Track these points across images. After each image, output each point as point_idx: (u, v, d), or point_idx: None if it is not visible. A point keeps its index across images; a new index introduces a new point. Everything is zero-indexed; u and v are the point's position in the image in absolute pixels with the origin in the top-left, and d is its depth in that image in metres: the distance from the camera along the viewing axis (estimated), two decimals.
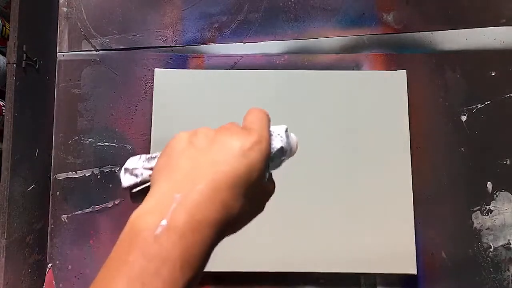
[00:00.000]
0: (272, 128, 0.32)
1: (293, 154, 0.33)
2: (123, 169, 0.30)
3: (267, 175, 0.29)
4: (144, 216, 0.23)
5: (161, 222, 0.22)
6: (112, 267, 0.22)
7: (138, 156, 0.31)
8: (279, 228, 0.59)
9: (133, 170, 0.30)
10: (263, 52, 0.67)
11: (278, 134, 0.32)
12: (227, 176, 0.25)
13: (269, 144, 0.28)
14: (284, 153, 0.31)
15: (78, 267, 0.63)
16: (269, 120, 0.30)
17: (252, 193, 0.26)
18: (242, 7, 0.68)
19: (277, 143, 0.31)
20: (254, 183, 0.26)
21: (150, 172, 0.29)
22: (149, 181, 0.29)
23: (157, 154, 0.30)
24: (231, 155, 0.25)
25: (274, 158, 0.30)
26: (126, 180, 0.30)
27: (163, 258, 0.21)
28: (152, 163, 0.29)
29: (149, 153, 0.61)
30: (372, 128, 0.62)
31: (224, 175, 0.25)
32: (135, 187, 0.30)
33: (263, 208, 0.30)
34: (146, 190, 0.28)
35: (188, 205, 0.23)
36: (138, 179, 0.30)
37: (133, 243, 0.22)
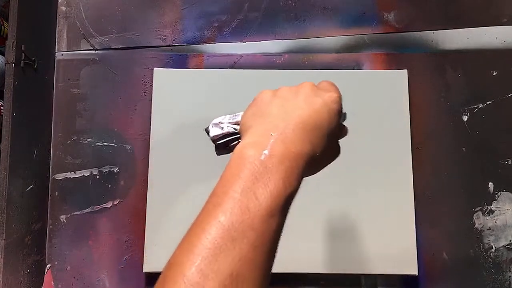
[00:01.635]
0: None
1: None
2: (211, 124, 0.36)
3: (341, 123, 0.36)
4: (248, 148, 0.28)
5: (264, 151, 0.28)
6: (227, 182, 0.27)
7: (223, 115, 0.37)
8: None
9: (220, 123, 0.36)
10: (263, 52, 0.66)
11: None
12: (313, 119, 0.31)
13: (341, 100, 0.35)
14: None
15: (77, 268, 0.63)
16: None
17: (332, 136, 0.32)
18: (242, 6, 0.67)
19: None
20: (333, 129, 0.32)
21: (234, 126, 0.36)
22: (233, 134, 0.36)
23: (241, 112, 0.36)
24: (315, 104, 0.32)
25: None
26: (213, 131, 0.36)
27: (269, 177, 0.27)
28: (237, 119, 0.36)
29: (149, 153, 0.61)
30: (372, 128, 0.61)
31: (311, 118, 0.31)
32: (221, 139, 0.36)
33: (339, 151, 0.37)
34: (228, 143, 0.36)
35: (283, 140, 0.29)
36: (224, 131, 0.36)
37: (242, 166, 0.27)
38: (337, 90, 0.36)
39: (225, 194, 0.26)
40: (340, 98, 0.35)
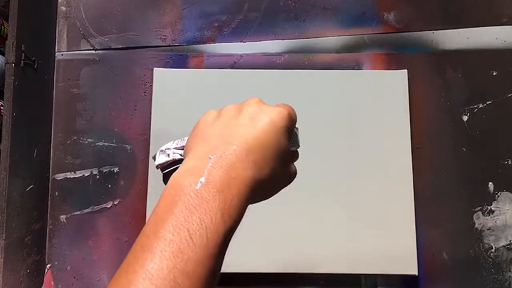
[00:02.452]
0: None
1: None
2: (158, 151, 0.33)
3: (291, 145, 0.32)
4: (184, 176, 0.25)
5: (200, 179, 0.25)
6: (158, 219, 0.24)
7: (172, 141, 0.34)
8: (279, 229, 0.59)
9: (166, 150, 0.33)
10: (263, 52, 0.66)
11: None
12: (258, 138, 0.28)
13: (294, 118, 0.32)
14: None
15: (77, 268, 0.63)
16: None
17: (282, 157, 0.29)
18: (242, 6, 0.67)
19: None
20: (283, 149, 0.29)
21: (180, 152, 0.32)
22: (179, 161, 0.32)
23: (187, 137, 0.33)
24: (261, 122, 0.28)
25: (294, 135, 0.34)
26: (159, 159, 0.33)
27: (204, 209, 0.24)
28: (182, 144, 0.33)
29: (149, 153, 0.61)
30: (372, 128, 0.61)
31: (256, 138, 0.27)
32: (167, 168, 0.33)
33: (294, 174, 0.32)
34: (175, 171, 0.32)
35: (223, 164, 0.26)
36: (170, 158, 0.32)
37: (176, 198, 0.24)
38: (286, 106, 0.32)
39: (155, 234, 0.23)
40: (290, 115, 0.31)
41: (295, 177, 0.33)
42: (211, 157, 0.26)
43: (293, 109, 0.32)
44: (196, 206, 0.24)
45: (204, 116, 0.32)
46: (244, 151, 0.27)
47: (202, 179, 0.25)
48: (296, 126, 0.33)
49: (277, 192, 0.31)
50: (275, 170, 0.28)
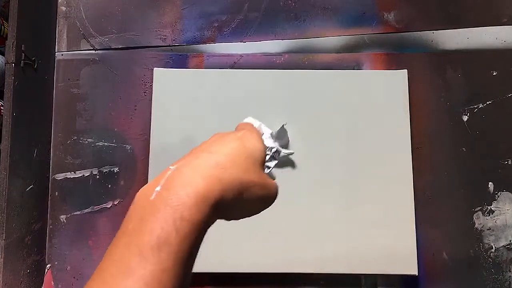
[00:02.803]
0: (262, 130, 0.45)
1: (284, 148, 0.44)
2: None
3: (265, 169, 0.32)
4: (143, 190, 0.25)
5: (156, 189, 0.24)
6: (116, 238, 0.23)
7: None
8: (279, 228, 0.59)
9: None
10: (263, 52, 0.66)
11: (268, 136, 0.45)
12: (224, 154, 0.27)
13: (257, 133, 0.32)
14: (275, 151, 0.43)
15: (77, 268, 0.63)
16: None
17: (250, 179, 0.27)
18: (242, 6, 0.67)
19: (268, 142, 0.43)
20: (250, 167, 0.28)
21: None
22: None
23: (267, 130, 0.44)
24: (227, 141, 0.29)
25: (271, 155, 0.40)
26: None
27: (156, 217, 0.22)
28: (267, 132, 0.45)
29: (149, 153, 0.61)
30: (372, 128, 0.61)
31: (222, 154, 0.27)
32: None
33: (264, 206, 0.30)
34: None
35: (183, 169, 0.25)
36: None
37: (133, 213, 0.23)
38: (253, 129, 0.33)
39: (109, 254, 0.23)
40: (253, 130, 0.31)
41: (273, 199, 0.30)
42: (171, 167, 0.25)
43: (257, 133, 0.32)
44: (148, 215, 0.22)
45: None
46: (207, 165, 0.25)
47: (158, 188, 0.24)
48: (283, 125, 0.36)
49: (253, 214, 0.29)
50: (244, 175, 0.27)
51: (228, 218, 0.27)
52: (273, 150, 0.45)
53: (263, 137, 0.40)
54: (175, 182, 0.24)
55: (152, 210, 0.22)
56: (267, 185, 0.29)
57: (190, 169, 0.25)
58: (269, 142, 0.45)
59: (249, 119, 0.43)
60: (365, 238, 0.59)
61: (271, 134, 0.46)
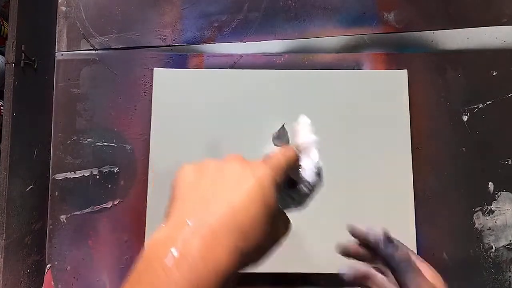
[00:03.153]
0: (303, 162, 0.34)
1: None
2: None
3: (281, 207, 0.28)
4: (156, 246, 0.22)
5: (172, 250, 0.21)
6: None
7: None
8: None
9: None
10: (263, 52, 0.66)
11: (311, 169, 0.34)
12: (244, 203, 0.24)
13: (280, 173, 0.28)
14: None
15: (77, 268, 0.63)
16: (292, 158, 0.31)
17: (271, 222, 0.25)
18: (242, 6, 0.67)
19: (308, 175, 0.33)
20: (272, 212, 0.25)
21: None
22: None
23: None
24: (246, 184, 0.25)
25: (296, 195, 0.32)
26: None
27: None
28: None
29: (149, 153, 0.61)
30: (372, 128, 0.61)
31: (242, 203, 0.24)
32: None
33: (285, 234, 0.29)
34: None
35: (202, 230, 0.22)
36: None
37: (144, 274, 0.21)
38: (273, 163, 0.27)
39: None
40: (276, 169, 0.27)
41: (288, 234, 0.29)
42: (189, 223, 0.22)
43: (279, 165, 0.28)
44: (163, 286, 0.20)
45: (181, 174, 0.27)
46: (229, 219, 0.23)
47: (174, 251, 0.21)
48: (319, 165, 0.31)
49: (269, 255, 0.27)
50: (265, 237, 0.24)
51: (243, 270, 0.26)
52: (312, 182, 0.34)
53: (303, 164, 0.32)
54: (193, 249, 0.21)
55: (167, 281, 0.20)
56: (282, 238, 0.28)
57: (210, 234, 0.22)
58: (309, 174, 0.34)
59: (302, 121, 0.35)
60: None
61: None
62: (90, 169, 0.64)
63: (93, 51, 0.67)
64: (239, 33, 0.67)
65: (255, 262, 0.26)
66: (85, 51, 0.67)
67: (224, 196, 0.24)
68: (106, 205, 0.64)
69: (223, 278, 0.22)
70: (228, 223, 0.23)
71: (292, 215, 0.32)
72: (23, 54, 0.56)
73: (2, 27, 0.60)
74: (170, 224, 0.23)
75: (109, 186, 0.64)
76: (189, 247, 0.21)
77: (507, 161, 0.63)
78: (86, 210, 0.64)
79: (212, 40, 0.67)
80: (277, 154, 0.29)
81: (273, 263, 0.58)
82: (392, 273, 0.36)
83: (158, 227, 0.24)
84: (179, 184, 0.26)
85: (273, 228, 0.26)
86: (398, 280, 0.35)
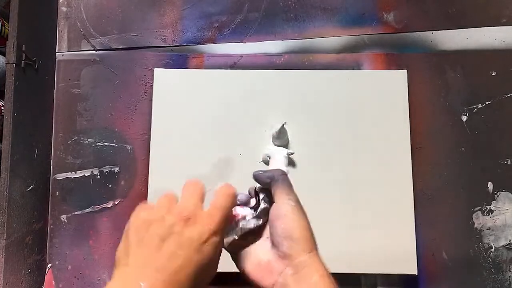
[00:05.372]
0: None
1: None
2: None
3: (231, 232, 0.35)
4: None
5: None
6: None
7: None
8: None
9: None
10: (263, 52, 0.67)
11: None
12: (186, 268, 0.29)
13: (222, 235, 0.32)
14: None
15: (77, 268, 0.63)
16: (234, 199, 0.35)
17: (207, 273, 0.31)
18: (242, 6, 0.67)
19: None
20: (210, 270, 0.31)
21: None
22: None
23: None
24: (187, 249, 0.29)
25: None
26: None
27: None
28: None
29: (149, 153, 0.61)
30: (372, 128, 0.61)
31: (184, 269, 0.29)
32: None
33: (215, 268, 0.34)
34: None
35: None
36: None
37: None
38: (221, 214, 0.33)
39: None
40: (220, 231, 0.32)
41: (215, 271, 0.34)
42: (142, 284, 0.27)
43: (220, 216, 0.32)
44: None
45: (135, 218, 0.32)
46: (172, 282, 0.28)
47: None
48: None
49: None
50: (200, 284, 0.30)
51: None
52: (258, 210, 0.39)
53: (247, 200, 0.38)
54: None
55: None
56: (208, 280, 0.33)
57: None
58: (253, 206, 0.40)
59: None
60: (365, 238, 0.59)
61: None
62: (91, 169, 0.65)
63: (94, 52, 0.67)
64: (239, 33, 0.67)
65: None
66: (85, 52, 0.67)
67: (170, 264, 0.29)
68: (107, 205, 0.64)
69: None
70: (171, 281, 0.28)
71: None
72: (23, 55, 0.57)
73: (3, 27, 0.60)
74: (124, 280, 0.29)
75: (110, 186, 0.64)
76: None
77: (507, 161, 0.63)
78: (86, 210, 0.64)
79: (212, 41, 0.67)
80: (218, 209, 0.33)
81: None
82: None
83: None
84: (133, 228, 0.32)
85: (208, 277, 0.32)
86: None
